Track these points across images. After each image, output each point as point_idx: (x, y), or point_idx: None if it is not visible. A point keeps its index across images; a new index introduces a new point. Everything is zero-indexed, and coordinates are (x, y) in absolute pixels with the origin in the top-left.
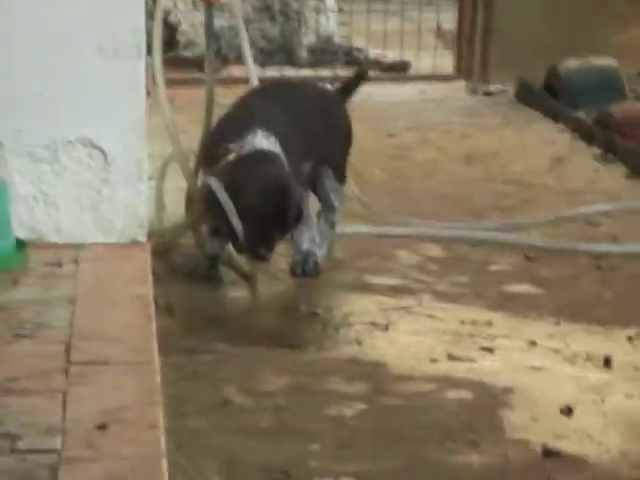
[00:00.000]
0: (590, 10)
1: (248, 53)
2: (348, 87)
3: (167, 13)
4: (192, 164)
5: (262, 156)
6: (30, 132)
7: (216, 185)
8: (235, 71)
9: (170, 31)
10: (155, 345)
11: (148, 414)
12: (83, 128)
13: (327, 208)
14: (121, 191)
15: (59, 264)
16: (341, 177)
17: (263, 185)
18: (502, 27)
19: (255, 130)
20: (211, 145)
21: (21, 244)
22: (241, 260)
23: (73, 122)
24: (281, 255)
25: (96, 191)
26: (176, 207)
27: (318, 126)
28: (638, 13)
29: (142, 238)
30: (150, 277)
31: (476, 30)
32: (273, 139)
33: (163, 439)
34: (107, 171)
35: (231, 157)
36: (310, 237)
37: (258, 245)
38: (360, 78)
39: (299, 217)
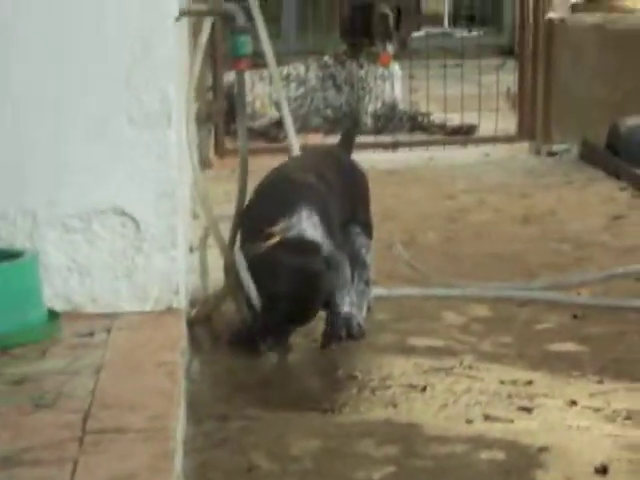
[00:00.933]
0: None
1: (289, 122)
2: (345, 143)
3: (231, 85)
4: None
5: (302, 245)
6: (63, 203)
7: (240, 261)
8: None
9: (233, 102)
10: (175, 412)
11: None
12: (115, 197)
13: (359, 266)
14: (155, 259)
15: (91, 334)
16: (369, 232)
17: (294, 278)
18: (564, 87)
19: (300, 211)
20: (253, 223)
21: (54, 315)
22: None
23: (105, 192)
24: (321, 319)
25: (130, 260)
26: (218, 274)
27: (343, 186)
28: None
29: (177, 305)
30: (181, 344)
31: (537, 91)
32: (317, 218)
33: None
34: (140, 240)
35: (274, 240)
36: (350, 300)
37: (268, 334)
38: (352, 131)
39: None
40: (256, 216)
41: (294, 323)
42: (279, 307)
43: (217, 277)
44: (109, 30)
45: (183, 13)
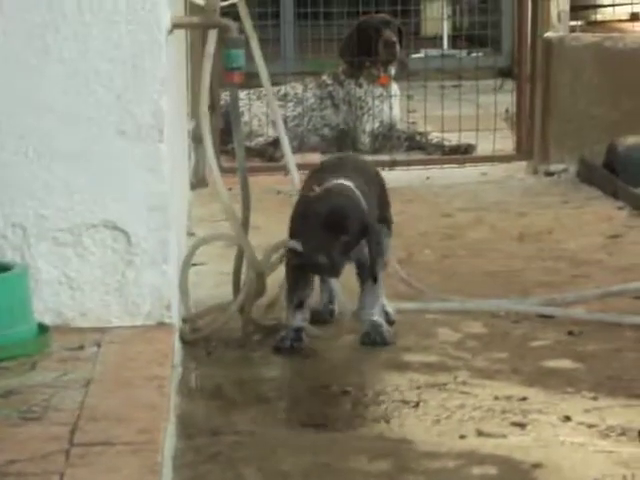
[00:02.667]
0: None
1: (285, 141)
2: None
3: (227, 104)
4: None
5: (341, 187)
6: (53, 216)
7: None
8: (296, 159)
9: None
10: (163, 425)
11: None
12: (106, 211)
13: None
14: (146, 273)
15: (81, 347)
16: (391, 231)
17: (329, 198)
18: (562, 107)
19: (339, 177)
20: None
21: (44, 329)
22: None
23: (96, 205)
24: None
25: (121, 274)
26: (212, 291)
27: (373, 187)
28: None
29: (169, 320)
30: (171, 358)
31: (535, 111)
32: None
33: None
34: (131, 254)
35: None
36: (379, 309)
37: (316, 252)
38: None
39: (364, 235)
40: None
41: (335, 239)
42: (316, 224)
43: (206, 294)
44: (100, 43)
45: (176, 26)
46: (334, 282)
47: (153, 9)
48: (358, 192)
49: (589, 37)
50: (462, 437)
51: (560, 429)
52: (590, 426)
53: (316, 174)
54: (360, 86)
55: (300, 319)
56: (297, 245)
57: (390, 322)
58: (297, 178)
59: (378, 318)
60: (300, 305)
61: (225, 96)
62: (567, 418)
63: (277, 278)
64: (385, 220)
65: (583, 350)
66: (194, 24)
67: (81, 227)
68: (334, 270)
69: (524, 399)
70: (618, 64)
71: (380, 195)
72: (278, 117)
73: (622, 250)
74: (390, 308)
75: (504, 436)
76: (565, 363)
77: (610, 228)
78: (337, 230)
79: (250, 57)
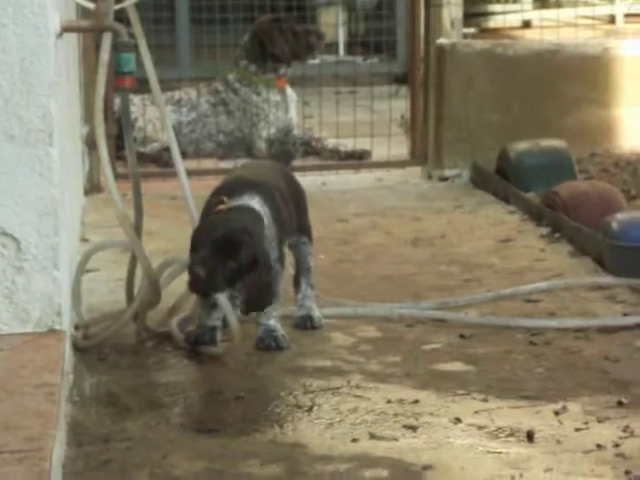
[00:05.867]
0: (542, 94)
1: (174, 147)
2: (283, 158)
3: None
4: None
5: (247, 211)
6: None
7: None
8: (191, 164)
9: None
10: (52, 433)
11: None
12: None
13: (305, 271)
14: (36, 279)
15: None
16: (311, 238)
17: (230, 222)
18: (455, 113)
19: (253, 193)
20: (210, 198)
21: None
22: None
23: None
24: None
25: (10, 280)
26: (106, 297)
27: (291, 196)
28: (589, 95)
29: (60, 327)
30: (62, 365)
31: (429, 117)
32: (267, 208)
33: None
34: (21, 260)
35: (222, 207)
36: (277, 314)
37: (196, 265)
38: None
39: (254, 267)
40: (213, 194)
41: (221, 265)
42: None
43: (99, 300)
44: None
45: (66, 29)
46: (225, 302)
47: (41, 12)
48: (266, 215)
49: (481, 44)
50: (354, 440)
51: (451, 431)
52: (480, 427)
53: (228, 183)
54: (258, 94)
55: (215, 318)
56: (182, 260)
57: (314, 327)
58: (186, 184)
59: (274, 323)
60: (214, 305)
61: (118, 100)
62: (458, 420)
63: (178, 286)
64: (303, 229)
65: (474, 353)
66: (84, 28)
67: None
68: (210, 287)
69: (416, 402)
70: (509, 71)
71: (298, 204)
72: (167, 122)
73: (513, 254)
74: (316, 313)
75: (396, 439)
76: (457, 366)
77: (502, 232)
78: (226, 254)
79: (142, 62)
